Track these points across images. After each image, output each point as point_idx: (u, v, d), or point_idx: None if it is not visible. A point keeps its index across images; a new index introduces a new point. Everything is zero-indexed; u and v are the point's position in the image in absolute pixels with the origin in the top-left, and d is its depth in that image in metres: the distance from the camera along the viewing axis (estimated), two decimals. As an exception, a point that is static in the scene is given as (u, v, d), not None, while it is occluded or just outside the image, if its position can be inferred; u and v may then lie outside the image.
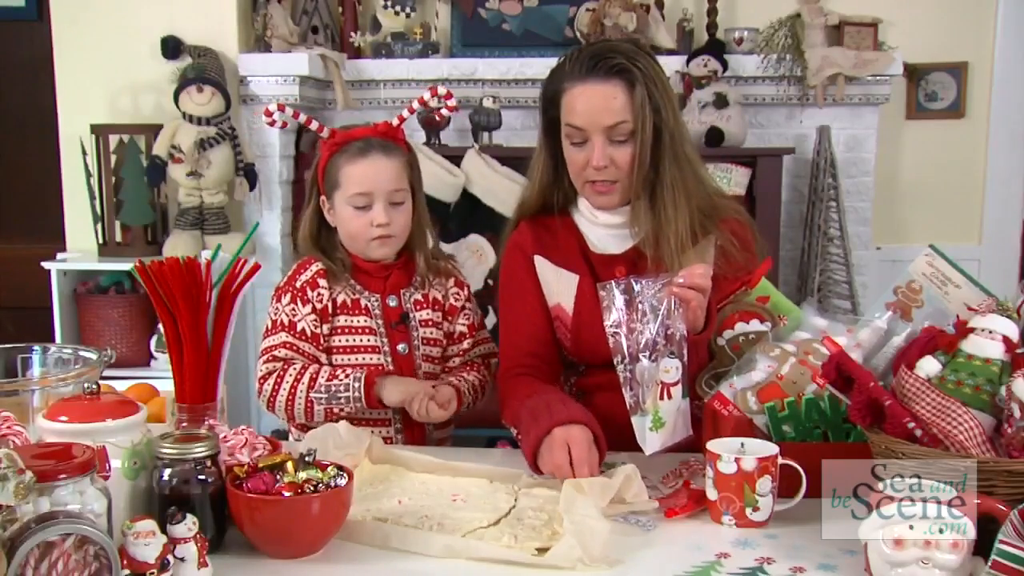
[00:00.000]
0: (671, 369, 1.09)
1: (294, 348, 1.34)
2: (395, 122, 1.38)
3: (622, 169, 1.25)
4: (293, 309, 1.34)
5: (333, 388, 1.30)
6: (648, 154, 1.24)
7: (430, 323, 1.40)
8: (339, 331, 1.36)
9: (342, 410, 1.31)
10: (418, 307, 1.39)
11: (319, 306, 1.34)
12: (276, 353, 1.33)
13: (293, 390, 1.31)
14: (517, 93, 2.69)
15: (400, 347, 1.37)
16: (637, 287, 1.10)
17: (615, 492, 1.02)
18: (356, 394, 1.30)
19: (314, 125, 1.39)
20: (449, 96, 1.47)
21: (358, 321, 1.36)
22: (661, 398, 1.10)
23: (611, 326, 1.10)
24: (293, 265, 1.39)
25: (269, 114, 1.41)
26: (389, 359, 1.36)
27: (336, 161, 1.34)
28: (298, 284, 1.34)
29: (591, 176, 1.26)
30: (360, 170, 1.32)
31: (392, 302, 1.38)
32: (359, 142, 1.34)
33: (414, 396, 1.30)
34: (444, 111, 1.54)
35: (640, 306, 1.09)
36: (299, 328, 1.33)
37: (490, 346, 1.45)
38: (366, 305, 1.37)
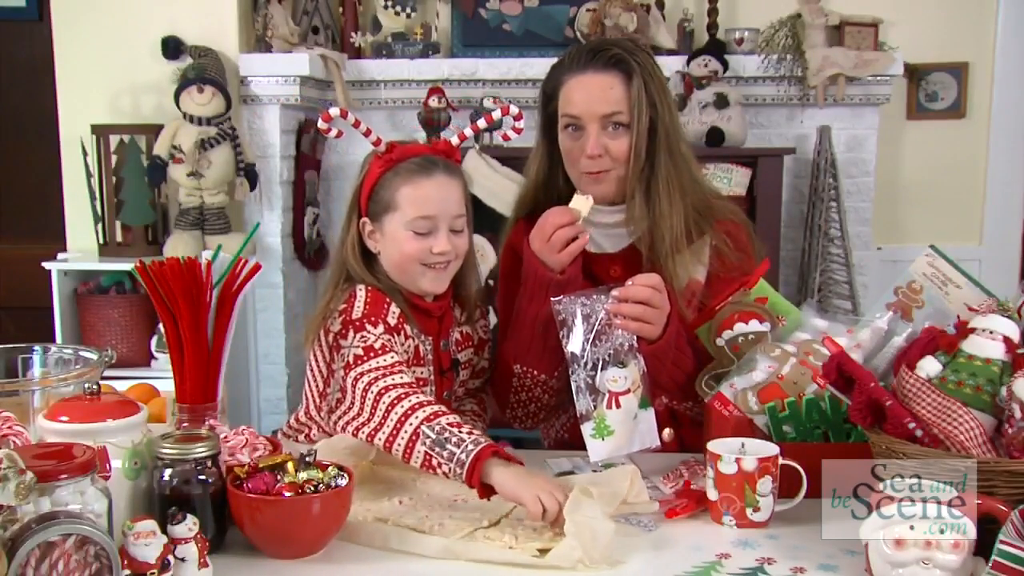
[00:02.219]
0: (618, 379, 1.12)
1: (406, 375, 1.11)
2: (455, 141, 1.23)
3: (617, 159, 1.26)
4: (391, 339, 1.14)
5: (447, 435, 1.01)
6: (643, 146, 1.25)
7: (468, 364, 1.30)
8: None
9: (439, 466, 1.01)
10: (459, 347, 1.28)
11: (407, 355, 1.18)
12: (397, 377, 1.08)
13: (411, 411, 1.04)
14: (518, 93, 2.69)
15: (445, 394, 1.26)
16: (588, 301, 1.14)
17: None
18: (463, 457, 1.00)
19: (372, 137, 1.21)
20: (520, 117, 1.25)
21: (421, 373, 1.21)
22: (609, 407, 1.11)
23: (564, 337, 1.13)
24: (358, 292, 1.18)
25: (328, 119, 1.20)
26: None
27: (391, 180, 1.18)
28: (391, 321, 1.16)
29: (586, 167, 1.27)
30: (424, 192, 1.17)
31: (444, 346, 1.25)
32: (419, 159, 1.19)
33: (533, 495, 0.96)
34: (511, 132, 1.26)
35: (590, 319, 1.13)
36: (401, 359, 1.14)
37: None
38: (424, 353, 1.23)
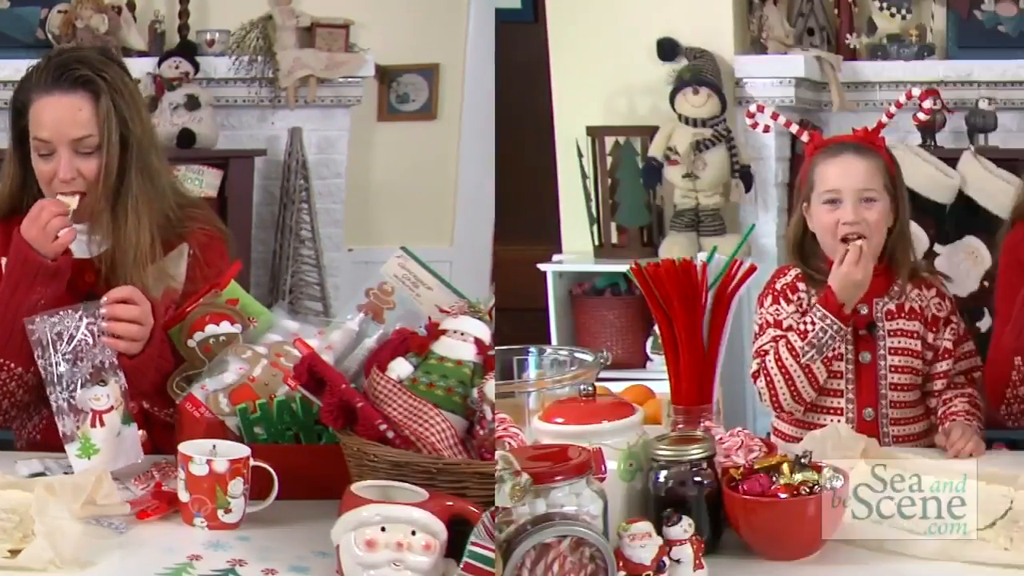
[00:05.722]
0: (100, 397, 1.10)
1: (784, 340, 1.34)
2: (872, 126, 1.46)
3: (89, 180, 1.24)
4: (777, 309, 1.38)
5: (814, 340, 1.30)
6: (115, 166, 1.24)
7: (902, 333, 1.40)
8: None
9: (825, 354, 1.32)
10: (890, 317, 1.40)
11: (802, 308, 1.38)
12: (767, 347, 1.35)
13: (785, 371, 1.31)
14: (1015, 95, 2.46)
15: (863, 356, 1.39)
16: (58, 319, 1.11)
17: (87, 494, 0.99)
18: (835, 325, 1.30)
19: (793, 128, 1.51)
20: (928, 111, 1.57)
21: None
22: (93, 425, 1.09)
23: (39, 358, 1.10)
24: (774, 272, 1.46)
25: (751, 115, 1.53)
26: (851, 367, 1.39)
27: (814, 163, 1.42)
28: (778, 287, 1.40)
29: (57, 188, 1.24)
30: (832, 169, 1.39)
31: (863, 310, 1.39)
32: (835, 145, 1.44)
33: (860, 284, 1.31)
34: (921, 115, 1.59)
35: (64, 337, 1.11)
36: (785, 325, 1.37)
37: (974, 361, 1.43)
38: None
